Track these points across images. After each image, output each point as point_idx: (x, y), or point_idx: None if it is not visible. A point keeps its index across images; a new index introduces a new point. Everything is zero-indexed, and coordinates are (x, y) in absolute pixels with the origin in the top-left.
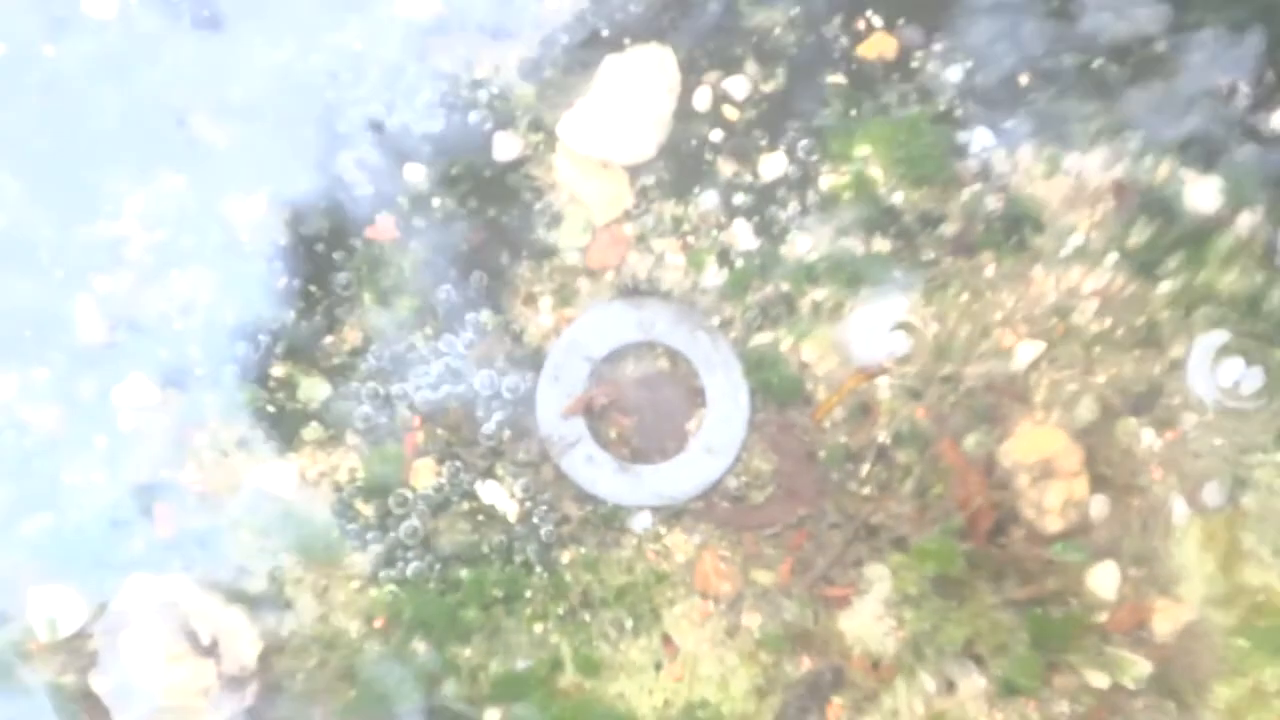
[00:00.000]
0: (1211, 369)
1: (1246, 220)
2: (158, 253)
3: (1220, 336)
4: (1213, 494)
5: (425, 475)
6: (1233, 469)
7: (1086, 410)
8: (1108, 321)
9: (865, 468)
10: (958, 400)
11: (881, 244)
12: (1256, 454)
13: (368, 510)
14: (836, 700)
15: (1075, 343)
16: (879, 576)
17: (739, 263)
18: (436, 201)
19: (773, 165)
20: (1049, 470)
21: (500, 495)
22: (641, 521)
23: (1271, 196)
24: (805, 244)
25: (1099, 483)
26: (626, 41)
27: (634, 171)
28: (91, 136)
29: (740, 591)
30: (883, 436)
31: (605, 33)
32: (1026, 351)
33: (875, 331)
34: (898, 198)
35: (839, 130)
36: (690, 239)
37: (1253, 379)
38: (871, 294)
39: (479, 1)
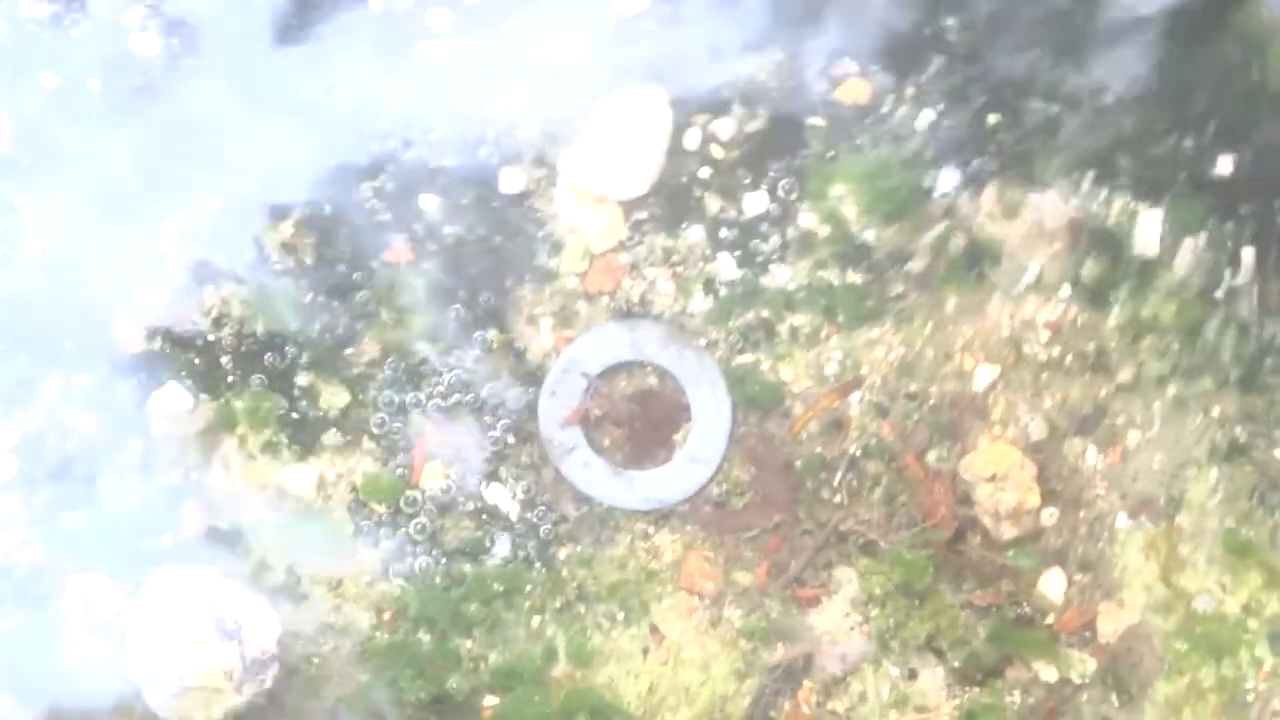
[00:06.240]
0: None
1: (1189, 250)
2: (193, 270)
3: None
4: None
5: (434, 477)
6: (1168, 489)
7: (1037, 429)
8: (1057, 350)
9: (837, 476)
10: (921, 418)
11: (854, 277)
12: (1191, 469)
13: (380, 509)
14: (808, 684)
15: (1026, 371)
16: (847, 579)
17: (723, 291)
18: (448, 229)
19: (755, 202)
20: (1005, 482)
21: (503, 496)
22: (502, 548)
23: (1212, 228)
24: (784, 275)
25: (1049, 496)
26: (623, 85)
27: (628, 205)
28: (133, 163)
29: (722, 590)
30: (854, 449)
31: (603, 77)
32: (985, 374)
33: None
34: (869, 234)
35: (816, 170)
36: (679, 268)
37: None
38: None
39: (488, 48)
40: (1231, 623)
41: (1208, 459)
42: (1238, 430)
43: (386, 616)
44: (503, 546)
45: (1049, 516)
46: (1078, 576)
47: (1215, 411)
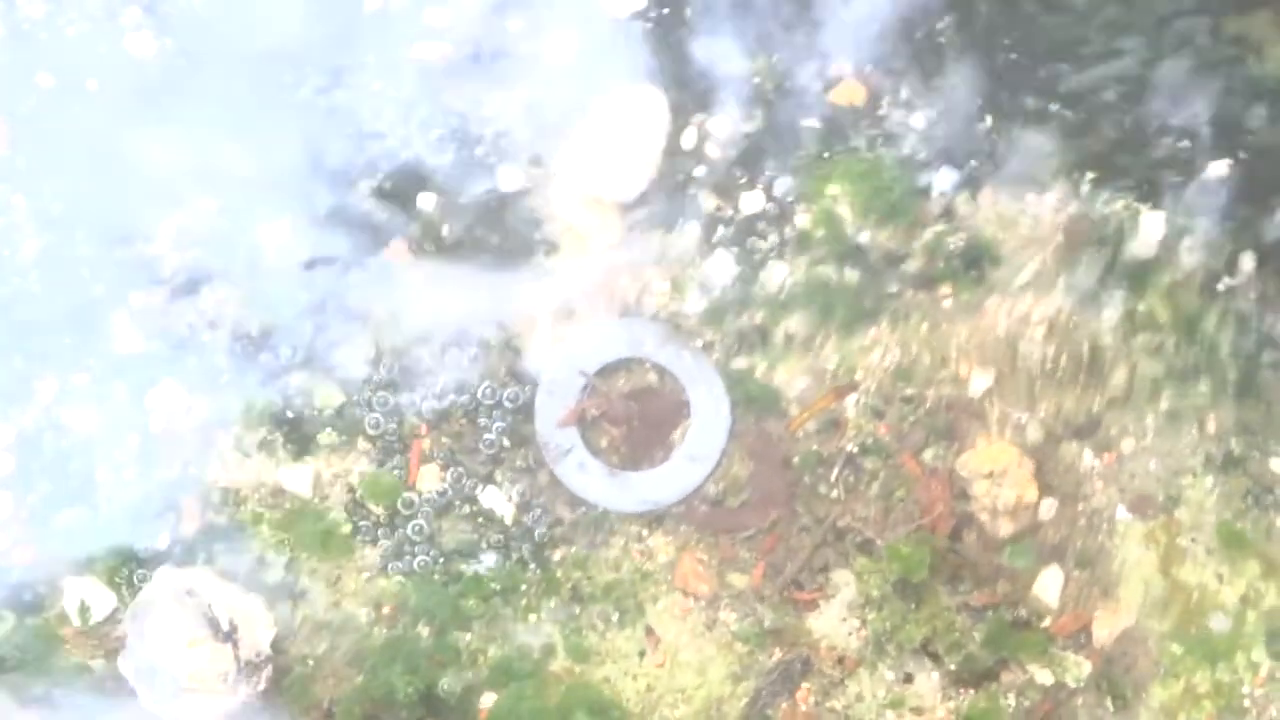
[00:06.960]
0: None
1: (1186, 249)
2: (189, 271)
3: None
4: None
5: (430, 480)
6: (1166, 488)
7: (1034, 433)
8: (1051, 351)
9: (834, 472)
10: (917, 419)
11: (850, 276)
12: (1187, 476)
13: (378, 510)
14: (805, 686)
15: (1021, 377)
16: (844, 581)
17: (718, 291)
18: (446, 228)
19: (752, 201)
20: (1002, 479)
21: (498, 499)
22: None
23: (1207, 229)
24: (780, 274)
25: (1047, 490)
26: (620, 85)
27: (624, 203)
28: (130, 164)
29: (717, 592)
30: (851, 446)
31: (601, 76)
32: (980, 381)
33: None
34: (865, 235)
35: (812, 170)
36: (675, 267)
37: None
38: None
39: (486, 47)
40: (1230, 618)
41: (1203, 469)
42: (1233, 442)
43: (386, 611)
44: (491, 556)
45: (1047, 510)
46: (1075, 574)
47: (1210, 425)
